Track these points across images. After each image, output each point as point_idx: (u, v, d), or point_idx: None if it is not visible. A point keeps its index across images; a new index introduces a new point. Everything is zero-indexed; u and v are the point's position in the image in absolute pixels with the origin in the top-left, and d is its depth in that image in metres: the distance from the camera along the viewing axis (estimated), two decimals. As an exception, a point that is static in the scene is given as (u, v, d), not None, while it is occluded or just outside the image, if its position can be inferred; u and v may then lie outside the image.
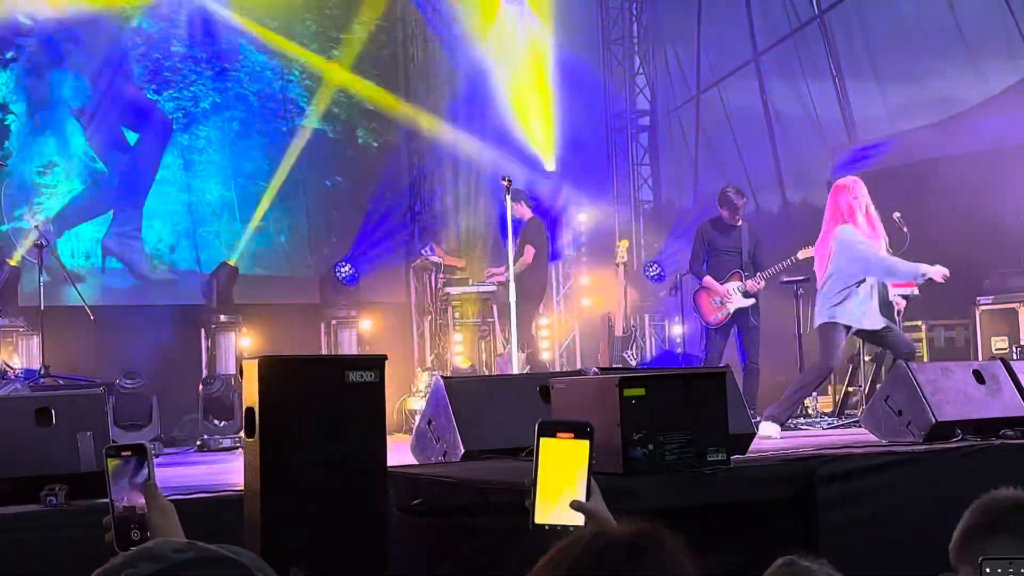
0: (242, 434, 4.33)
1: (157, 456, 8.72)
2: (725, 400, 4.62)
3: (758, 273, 10.20)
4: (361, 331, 12.27)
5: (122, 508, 2.28)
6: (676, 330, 12.82)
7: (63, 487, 4.94)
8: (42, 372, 9.23)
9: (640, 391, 4.38)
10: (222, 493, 5.50)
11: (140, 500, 2.27)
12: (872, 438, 6.37)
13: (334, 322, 12.27)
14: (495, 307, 11.94)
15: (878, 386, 8.01)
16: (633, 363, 11.91)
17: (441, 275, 12.33)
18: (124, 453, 2.28)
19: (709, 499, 4.26)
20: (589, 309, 13.81)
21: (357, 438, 4.08)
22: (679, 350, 12.23)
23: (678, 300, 11.79)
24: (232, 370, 10.87)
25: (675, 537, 1.70)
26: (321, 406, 4.01)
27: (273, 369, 3.98)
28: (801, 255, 10.38)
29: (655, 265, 13.59)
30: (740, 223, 10.36)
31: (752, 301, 10.22)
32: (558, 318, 13.87)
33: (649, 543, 1.69)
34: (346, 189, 13.65)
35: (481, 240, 13.08)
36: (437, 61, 14.30)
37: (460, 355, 11.99)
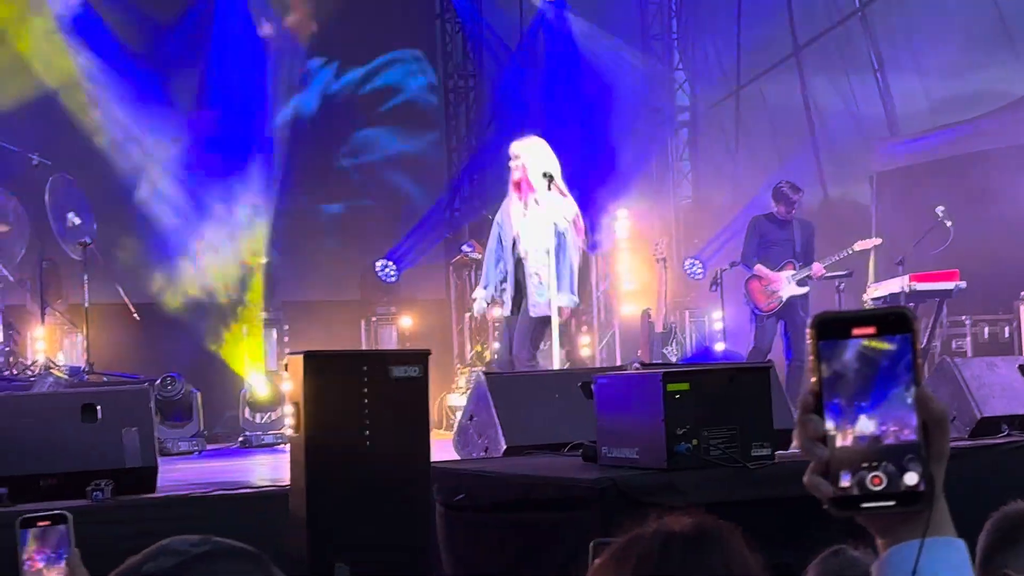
0: (285, 430, 4.34)
1: (199, 452, 8.78)
2: (769, 395, 4.60)
3: (816, 262, 10.16)
4: (401, 328, 12.29)
5: None
6: (717, 326, 12.75)
7: (109, 482, 4.98)
8: (86, 369, 9.29)
9: (684, 386, 4.37)
10: (266, 489, 5.54)
11: (60, 572, 2.06)
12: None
13: (374, 319, 12.30)
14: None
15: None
16: (673, 359, 11.88)
17: (481, 271, 12.31)
18: (41, 523, 2.07)
19: (754, 494, 4.24)
20: (628, 305, 13.77)
21: (401, 433, 4.09)
22: (719, 346, 12.16)
23: (718, 295, 11.73)
24: (272, 366, 10.93)
25: (736, 530, 1.69)
26: (365, 401, 4.02)
27: (318, 364, 3.99)
28: (859, 246, 10.33)
29: (695, 261, 13.54)
30: (793, 218, 10.32)
31: (805, 290, 10.17)
32: (597, 314, 13.84)
33: (711, 536, 1.68)
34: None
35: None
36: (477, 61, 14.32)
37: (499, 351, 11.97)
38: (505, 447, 5.79)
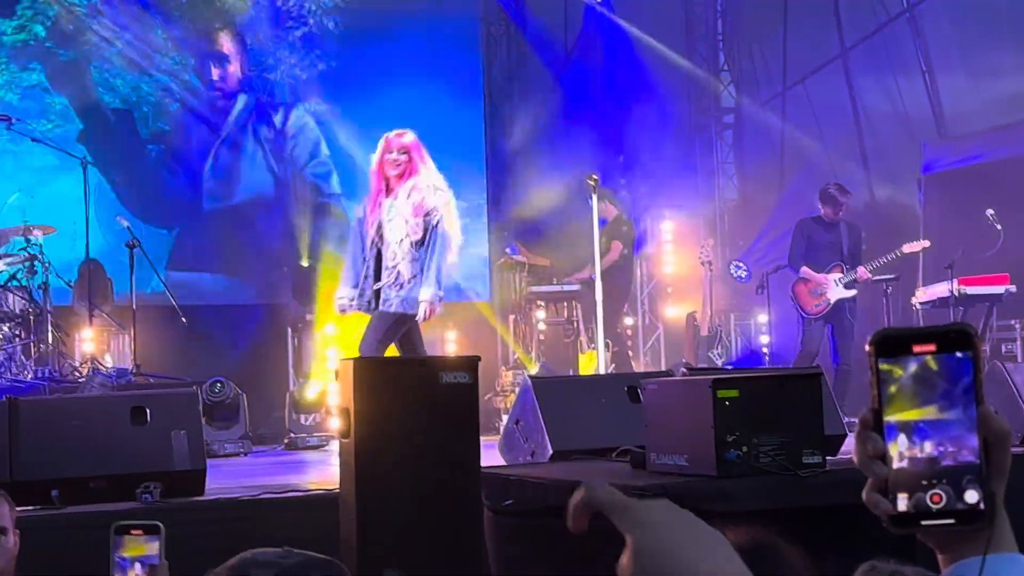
0: (334, 435, 4.34)
1: (246, 453, 8.81)
2: (820, 401, 4.56)
3: (864, 265, 10.06)
4: (446, 331, 12.29)
5: None
6: (762, 329, 12.69)
7: (157, 485, 5.01)
8: (133, 370, 9.36)
9: (734, 392, 4.34)
10: (313, 492, 5.55)
11: None
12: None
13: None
14: (580, 306, 11.90)
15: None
16: (719, 363, 11.82)
17: (525, 274, 12.32)
18: (135, 532, 2.12)
19: (806, 502, 4.20)
20: (673, 308, 13.72)
21: (451, 439, 4.09)
22: (765, 349, 12.10)
23: (765, 298, 11.66)
24: (316, 368, 10.98)
25: (794, 544, 1.65)
26: (416, 407, 4.02)
27: (368, 370, 3.99)
28: (907, 249, 10.23)
29: (739, 264, 13.46)
30: (840, 220, 10.23)
31: (853, 293, 10.08)
32: (642, 317, 13.80)
33: (770, 551, 1.64)
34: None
35: (566, 239, 13.03)
36: (522, 63, 14.31)
37: (544, 354, 11.97)
38: (551, 452, 5.77)
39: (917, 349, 1.12)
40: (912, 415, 1.12)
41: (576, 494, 1.14)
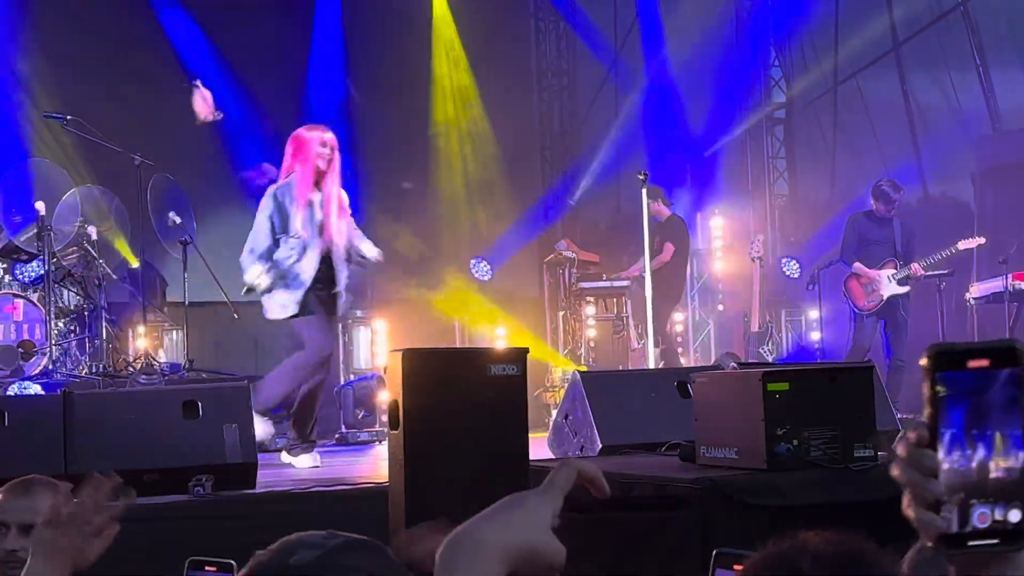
0: (384, 427, 4.36)
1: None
2: (872, 395, 4.53)
3: (917, 261, 9.96)
4: (495, 327, 12.32)
5: None
6: (814, 325, 12.60)
7: (210, 478, 5.05)
8: (186, 366, 9.44)
9: (784, 385, 4.32)
10: (363, 485, 5.58)
11: None
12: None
13: (468, 317, 12.35)
14: (629, 302, 11.88)
15: None
16: (769, 359, 11.75)
17: (575, 270, 12.31)
18: (208, 568, 2.16)
19: (857, 497, 4.16)
20: (724, 304, 13.66)
21: (500, 431, 4.08)
22: (817, 346, 12.01)
23: (816, 294, 11.58)
24: (364, 364, 11.02)
25: (882, 552, 1.58)
26: (464, 399, 4.02)
27: (417, 362, 4.00)
28: (962, 245, 10.13)
29: (790, 260, 13.39)
30: (894, 216, 10.14)
31: (906, 289, 9.99)
32: (692, 314, 13.75)
33: (862, 560, 1.56)
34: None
35: (617, 236, 13.01)
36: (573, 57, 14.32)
37: (593, 350, 11.96)
38: (601, 446, 5.77)
39: (972, 364, 1.12)
40: (967, 432, 1.12)
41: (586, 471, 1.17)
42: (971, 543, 1.11)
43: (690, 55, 14.15)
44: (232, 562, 2.10)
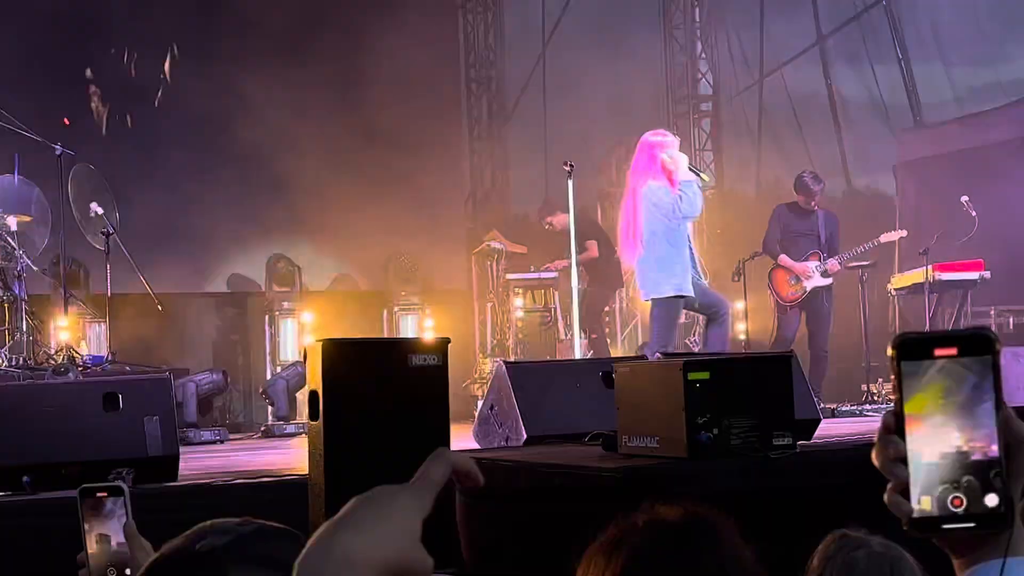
0: (306, 419, 4.34)
1: (222, 443, 8.80)
2: (791, 384, 4.56)
3: (837, 256, 10.07)
4: (423, 318, 12.30)
5: (97, 548, 2.22)
6: (739, 316, 12.70)
7: (130, 471, 5.00)
8: (109, 359, 9.33)
9: (705, 374, 4.34)
10: (286, 477, 5.55)
11: (117, 539, 2.21)
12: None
13: (396, 309, 12.31)
14: (557, 294, 11.91)
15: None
16: (695, 349, 11.83)
17: (503, 262, 12.31)
18: (99, 494, 2.23)
19: (776, 483, 4.21)
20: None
21: (421, 421, 4.08)
22: (742, 336, 12.10)
23: (741, 285, 11.67)
24: (291, 356, 10.96)
25: (727, 519, 1.65)
26: (385, 389, 4.01)
27: (337, 352, 3.99)
28: (884, 239, 10.26)
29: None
30: (816, 208, 10.24)
31: (829, 281, 10.10)
32: (619, 304, 13.81)
33: (704, 527, 1.65)
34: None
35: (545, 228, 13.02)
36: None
37: (521, 342, 11.97)
38: (526, 437, 5.78)
39: (938, 352, 1.12)
40: (934, 419, 1.12)
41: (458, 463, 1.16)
42: (945, 526, 1.12)
43: (616, 46, 14.20)
44: (123, 485, 2.16)
